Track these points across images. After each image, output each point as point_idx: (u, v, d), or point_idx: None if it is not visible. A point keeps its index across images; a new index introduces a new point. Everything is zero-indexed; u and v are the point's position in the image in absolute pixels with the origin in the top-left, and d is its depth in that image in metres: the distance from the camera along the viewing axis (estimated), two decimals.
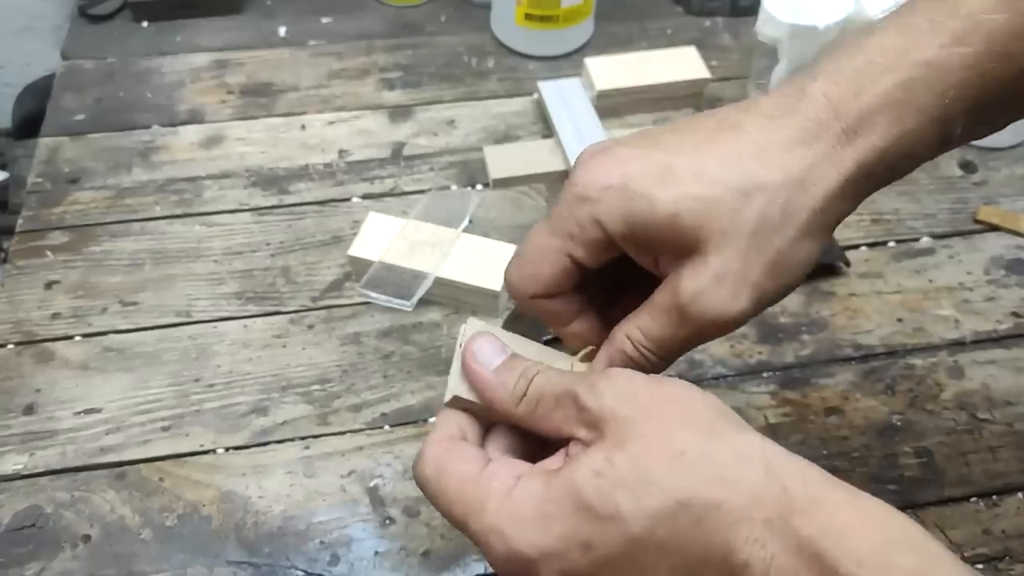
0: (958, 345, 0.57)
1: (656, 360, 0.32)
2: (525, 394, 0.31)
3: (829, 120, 0.29)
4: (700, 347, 0.56)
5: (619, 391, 0.29)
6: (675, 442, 0.27)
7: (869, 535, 0.25)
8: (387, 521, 0.48)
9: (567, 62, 0.76)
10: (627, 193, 0.30)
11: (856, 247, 0.62)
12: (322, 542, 0.48)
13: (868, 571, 0.24)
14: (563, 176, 0.65)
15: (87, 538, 0.47)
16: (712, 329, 0.31)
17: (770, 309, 0.58)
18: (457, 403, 0.33)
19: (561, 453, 0.30)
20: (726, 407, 0.29)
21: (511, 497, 0.28)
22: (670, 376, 0.31)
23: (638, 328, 0.32)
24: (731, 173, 0.29)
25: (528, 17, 0.73)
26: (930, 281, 0.60)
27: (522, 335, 0.58)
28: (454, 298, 0.57)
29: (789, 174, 0.29)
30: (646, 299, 0.32)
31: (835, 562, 0.24)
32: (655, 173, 0.30)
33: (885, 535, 0.25)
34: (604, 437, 0.28)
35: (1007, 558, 0.48)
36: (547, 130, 0.69)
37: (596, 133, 0.65)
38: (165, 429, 0.52)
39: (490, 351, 0.32)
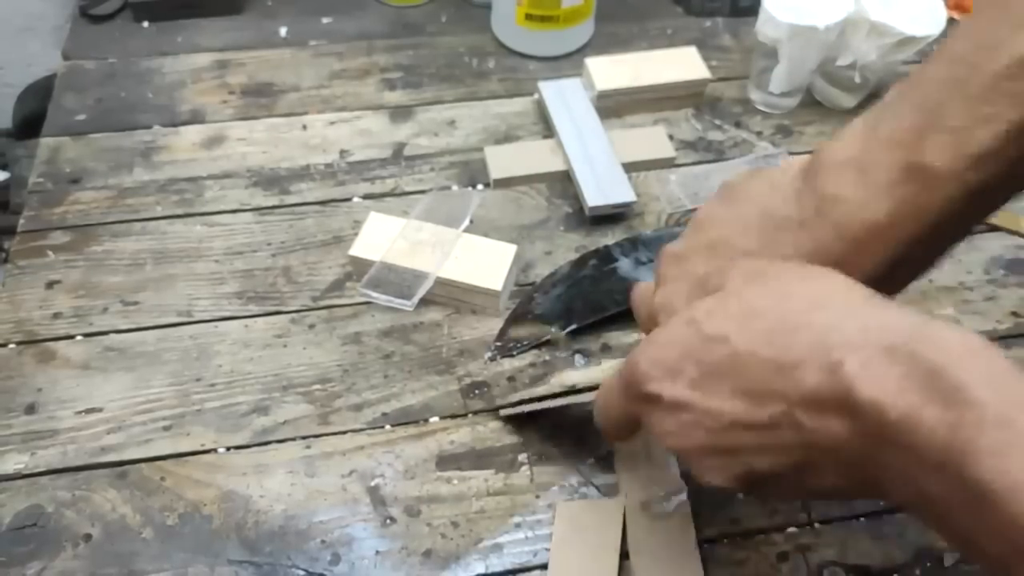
0: None
1: None
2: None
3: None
4: None
5: (741, 264, 0.32)
6: (788, 289, 0.29)
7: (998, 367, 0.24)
8: (388, 521, 0.49)
9: (567, 62, 0.76)
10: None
11: None
12: (323, 541, 0.48)
13: (1001, 396, 0.23)
14: (563, 176, 0.66)
15: (88, 537, 0.48)
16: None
17: None
18: None
19: None
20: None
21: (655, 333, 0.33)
22: None
23: None
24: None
25: (528, 17, 0.73)
26: (930, 281, 0.60)
27: (524, 335, 0.59)
28: (455, 298, 0.57)
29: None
30: None
31: (958, 381, 0.23)
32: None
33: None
34: (723, 288, 0.31)
35: None
36: (547, 130, 0.70)
37: (596, 133, 0.66)
38: (166, 428, 0.52)
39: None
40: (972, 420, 0.23)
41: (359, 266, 0.58)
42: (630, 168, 0.65)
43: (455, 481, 0.50)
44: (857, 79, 0.67)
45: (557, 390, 0.47)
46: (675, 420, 0.31)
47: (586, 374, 0.45)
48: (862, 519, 0.49)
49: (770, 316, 0.29)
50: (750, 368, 0.28)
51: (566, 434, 0.52)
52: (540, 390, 0.49)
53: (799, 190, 0.34)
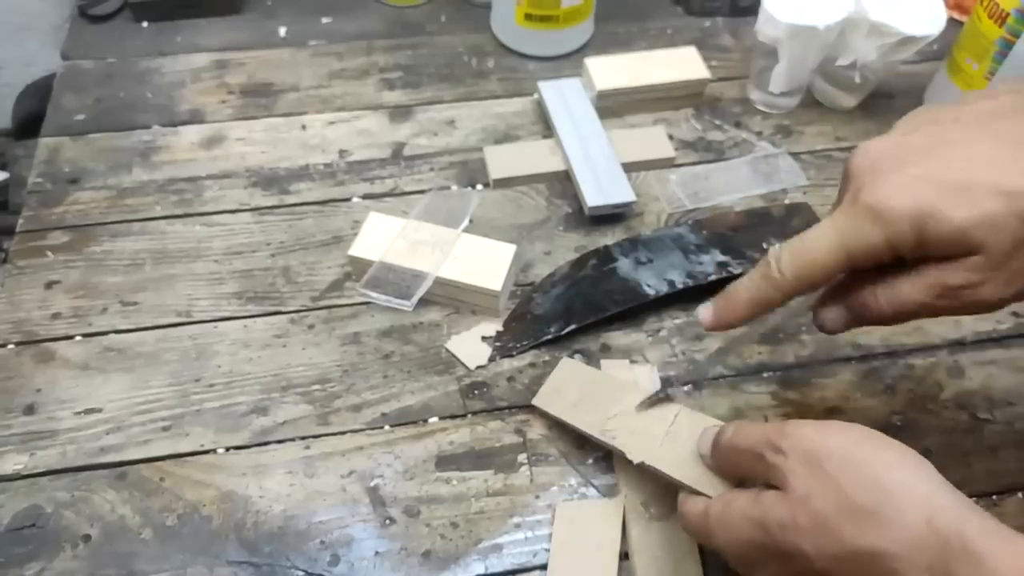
0: (958, 345, 0.57)
1: (887, 317, 0.37)
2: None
3: None
4: (700, 347, 0.56)
5: (797, 451, 0.34)
6: (848, 500, 0.32)
7: None
8: (387, 521, 0.48)
9: (567, 62, 0.76)
10: (921, 216, 0.33)
11: None
12: (322, 542, 0.48)
13: None
14: (563, 176, 0.65)
15: (87, 538, 0.48)
16: (966, 310, 0.35)
17: None
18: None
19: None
20: (891, 446, 0.34)
21: (728, 517, 0.37)
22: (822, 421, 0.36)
23: (891, 290, 0.36)
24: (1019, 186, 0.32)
25: (528, 17, 0.73)
26: None
27: (522, 333, 0.58)
28: (454, 298, 0.57)
29: None
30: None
31: None
32: (948, 194, 0.33)
33: None
34: (788, 490, 0.34)
35: None
36: (547, 130, 0.70)
37: (596, 133, 0.66)
38: (165, 429, 0.52)
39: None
40: None
41: (358, 266, 0.58)
42: (630, 168, 0.65)
43: (454, 481, 0.50)
44: (857, 79, 0.67)
45: (603, 439, 0.47)
46: None
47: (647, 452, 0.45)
48: None
49: (842, 531, 0.32)
50: (848, 567, 0.33)
51: (566, 434, 0.52)
52: (591, 430, 0.48)
53: None
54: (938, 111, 0.37)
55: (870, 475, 0.33)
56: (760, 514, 0.35)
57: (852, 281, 0.39)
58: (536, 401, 0.52)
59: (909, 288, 0.35)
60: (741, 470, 0.39)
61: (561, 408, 0.51)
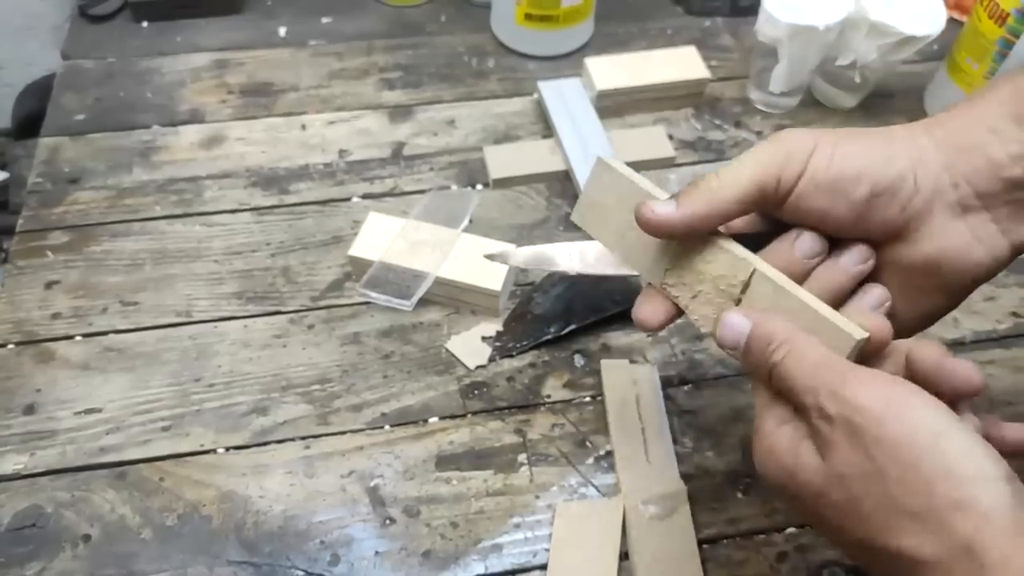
0: (958, 345, 0.57)
1: None
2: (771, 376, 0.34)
3: None
4: (700, 347, 0.56)
5: (845, 423, 0.31)
6: (890, 497, 0.29)
7: None
8: (387, 521, 0.48)
9: (567, 62, 0.76)
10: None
11: None
12: (322, 542, 0.48)
13: None
14: (563, 176, 0.65)
15: (87, 538, 0.48)
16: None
17: None
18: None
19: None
20: (957, 440, 0.29)
21: (765, 455, 0.34)
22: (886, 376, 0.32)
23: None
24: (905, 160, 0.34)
25: (528, 17, 0.73)
26: None
27: (522, 333, 0.58)
28: (454, 298, 0.57)
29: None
30: None
31: None
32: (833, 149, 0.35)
33: None
34: (826, 460, 0.31)
35: None
36: (547, 130, 0.70)
37: (596, 133, 0.66)
38: (165, 429, 0.52)
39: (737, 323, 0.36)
40: None
41: (358, 266, 0.58)
42: (630, 168, 0.65)
43: (454, 481, 0.50)
44: (857, 79, 0.67)
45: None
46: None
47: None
48: None
49: (874, 523, 0.30)
50: (869, 551, 0.31)
51: (566, 434, 0.52)
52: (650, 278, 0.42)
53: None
54: None
55: (923, 479, 0.29)
56: (793, 471, 0.32)
57: None
58: (575, 218, 0.45)
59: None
60: (781, 400, 0.34)
61: (601, 231, 0.45)
